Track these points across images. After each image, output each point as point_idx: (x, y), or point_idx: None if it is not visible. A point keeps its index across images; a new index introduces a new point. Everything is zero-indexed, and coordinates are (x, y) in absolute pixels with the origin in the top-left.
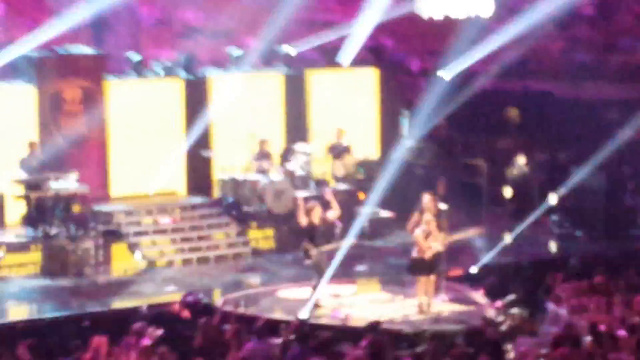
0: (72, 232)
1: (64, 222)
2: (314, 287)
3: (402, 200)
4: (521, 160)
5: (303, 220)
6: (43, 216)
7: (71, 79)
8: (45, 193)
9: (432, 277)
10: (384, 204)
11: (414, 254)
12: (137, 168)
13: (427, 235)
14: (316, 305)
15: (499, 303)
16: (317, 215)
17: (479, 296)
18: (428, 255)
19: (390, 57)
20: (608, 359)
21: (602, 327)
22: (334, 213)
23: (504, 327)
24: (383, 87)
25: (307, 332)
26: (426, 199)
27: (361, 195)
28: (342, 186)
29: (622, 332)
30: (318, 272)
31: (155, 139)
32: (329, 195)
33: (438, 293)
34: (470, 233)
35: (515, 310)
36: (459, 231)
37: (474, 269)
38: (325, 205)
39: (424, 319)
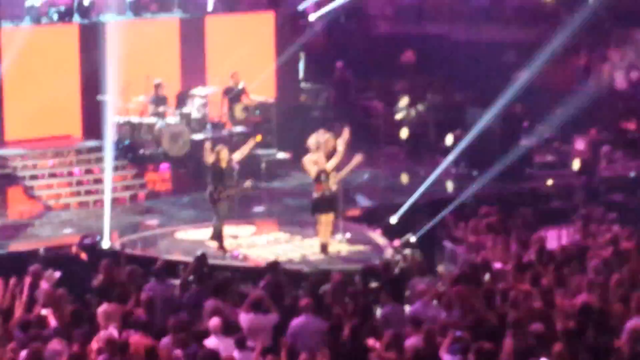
0: None
1: None
2: (215, 228)
3: (299, 142)
4: (403, 101)
5: (210, 159)
6: None
7: None
8: None
9: (331, 216)
10: (281, 145)
11: (314, 194)
12: (32, 112)
13: (320, 174)
14: (218, 246)
15: (396, 242)
16: (224, 158)
17: (376, 236)
18: (327, 193)
19: (286, 1)
20: (505, 296)
21: (498, 265)
22: (238, 155)
23: (400, 267)
24: (279, 30)
25: (205, 272)
26: (321, 135)
27: (257, 138)
28: (239, 128)
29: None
30: (222, 214)
31: (51, 83)
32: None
33: (336, 232)
34: (354, 164)
35: (408, 251)
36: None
37: (393, 219)
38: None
39: (322, 259)
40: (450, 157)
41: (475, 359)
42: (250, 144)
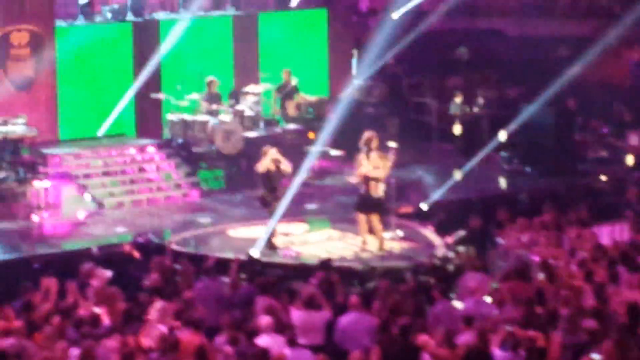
0: (21, 175)
1: (12, 165)
2: (268, 227)
3: (352, 140)
4: (458, 99)
5: (260, 167)
6: None
7: (18, 23)
8: None
9: (374, 216)
10: (334, 143)
11: (361, 191)
12: (86, 111)
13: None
14: (270, 245)
15: (448, 239)
16: (274, 159)
17: (429, 233)
18: (374, 192)
19: None
20: (558, 293)
21: (552, 262)
22: (287, 166)
23: (453, 264)
24: (332, 27)
25: (257, 270)
26: (366, 135)
27: (311, 135)
28: (292, 126)
29: (572, 267)
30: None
31: (104, 82)
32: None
33: (388, 230)
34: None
35: (462, 248)
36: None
37: (424, 206)
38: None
39: (374, 256)
40: (504, 153)
41: (527, 355)
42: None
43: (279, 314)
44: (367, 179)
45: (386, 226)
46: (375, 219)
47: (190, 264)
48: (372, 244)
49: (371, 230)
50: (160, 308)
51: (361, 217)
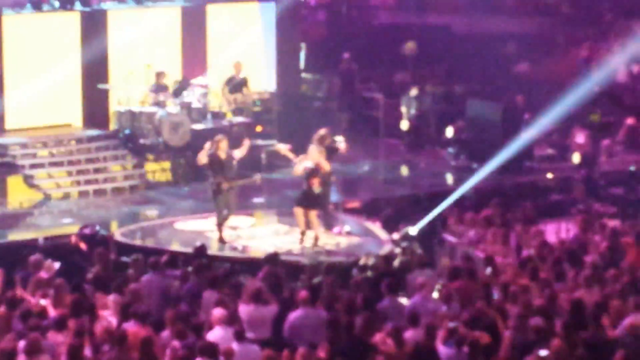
0: None
1: None
2: (218, 221)
3: (300, 133)
4: (413, 92)
5: (203, 159)
6: None
7: None
8: None
9: (312, 211)
10: (282, 136)
11: (303, 186)
12: (33, 100)
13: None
14: (221, 239)
15: (395, 235)
16: (223, 148)
17: (376, 228)
18: (316, 188)
19: None
20: (504, 289)
21: (498, 258)
22: (240, 152)
23: (399, 260)
24: (280, 20)
25: (205, 264)
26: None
27: (258, 128)
28: (239, 119)
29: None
30: (226, 206)
31: (52, 71)
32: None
33: (335, 225)
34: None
35: (407, 244)
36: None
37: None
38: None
39: (321, 251)
40: (451, 149)
41: (470, 352)
42: (247, 144)
43: (227, 307)
44: (310, 175)
45: (334, 221)
46: (313, 214)
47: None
48: (309, 239)
49: (308, 226)
50: (106, 301)
51: (299, 212)
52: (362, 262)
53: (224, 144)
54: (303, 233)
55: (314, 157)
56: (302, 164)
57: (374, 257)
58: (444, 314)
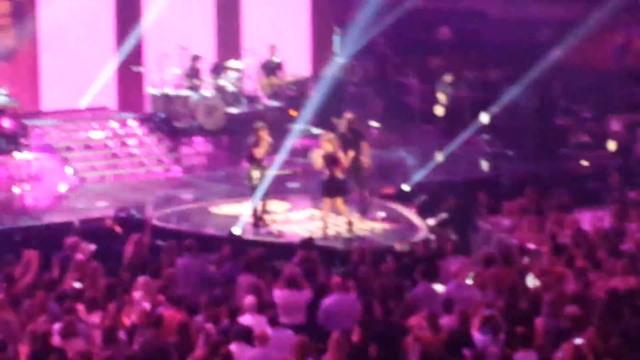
0: (2, 146)
1: None
2: (253, 206)
3: (334, 118)
4: (447, 78)
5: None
6: None
7: None
8: None
9: (338, 199)
10: (316, 121)
11: (323, 176)
12: (68, 83)
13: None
14: (256, 222)
15: (430, 221)
16: (264, 138)
17: (411, 214)
18: (339, 175)
19: None
20: (539, 277)
21: (532, 246)
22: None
23: (434, 245)
24: (314, 4)
25: (240, 248)
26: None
27: (293, 113)
28: (274, 103)
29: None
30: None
31: (87, 53)
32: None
33: (370, 211)
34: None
35: (442, 231)
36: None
37: (405, 187)
38: None
39: (356, 237)
40: (486, 136)
41: (507, 340)
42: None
43: (262, 292)
44: (329, 163)
45: (368, 207)
46: (339, 201)
47: (173, 241)
48: (341, 225)
49: (338, 214)
50: (143, 284)
51: (326, 201)
52: (396, 248)
53: (264, 134)
54: (326, 221)
55: (326, 148)
56: (317, 156)
57: (408, 244)
58: (479, 301)
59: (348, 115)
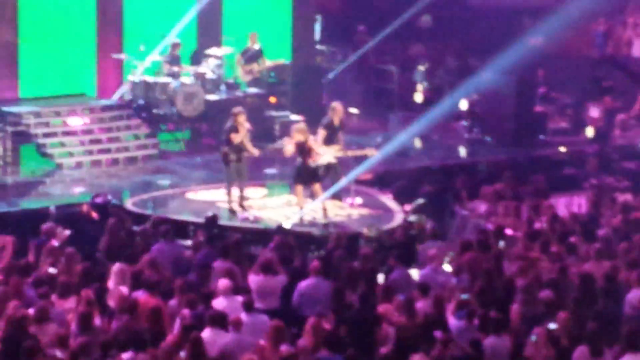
0: None
1: None
2: (228, 192)
3: (313, 105)
4: (422, 67)
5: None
6: None
7: None
8: None
9: (314, 185)
10: (295, 108)
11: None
12: (47, 69)
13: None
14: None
15: (407, 207)
16: (242, 123)
17: (387, 200)
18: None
19: None
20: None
21: (509, 231)
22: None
23: (411, 231)
24: None
25: (216, 234)
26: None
27: (272, 99)
28: (254, 90)
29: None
30: (238, 177)
31: (66, 40)
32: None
33: (346, 196)
34: (365, 153)
35: (420, 216)
36: (356, 149)
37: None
38: None
39: (332, 222)
40: (464, 122)
41: (481, 325)
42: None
43: (236, 277)
44: (302, 151)
45: (346, 193)
46: (316, 187)
47: (148, 226)
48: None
49: (313, 199)
50: (118, 270)
51: (299, 189)
52: (365, 233)
53: (242, 118)
54: (302, 208)
55: (297, 137)
56: (288, 144)
57: (375, 229)
58: (454, 286)
59: (335, 104)
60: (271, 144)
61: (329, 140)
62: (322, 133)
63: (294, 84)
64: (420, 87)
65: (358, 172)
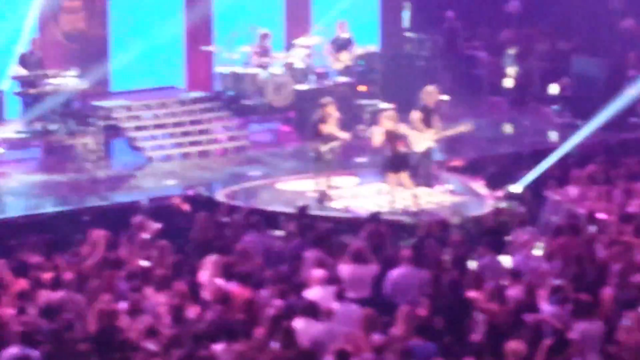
0: (71, 127)
1: (63, 117)
2: (319, 181)
3: (403, 92)
4: (512, 50)
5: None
6: (43, 112)
7: None
8: (45, 89)
9: (402, 173)
10: (385, 96)
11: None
12: (137, 63)
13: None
14: (322, 198)
15: (499, 193)
16: (331, 113)
17: (479, 186)
18: (401, 151)
19: None
20: (607, 247)
21: (602, 216)
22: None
23: (502, 217)
24: None
25: (307, 224)
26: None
27: (362, 88)
28: (343, 79)
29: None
30: (325, 167)
31: (156, 33)
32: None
33: (438, 184)
34: (461, 129)
35: (510, 202)
36: (449, 128)
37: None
38: None
39: (423, 210)
40: (555, 107)
41: (575, 310)
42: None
43: (328, 267)
44: (392, 138)
45: (436, 180)
46: (404, 176)
47: (240, 218)
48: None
49: (405, 187)
50: (211, 261)
51: (390, 177)
52: (450, 220)
53: (331, 109)
54: (393, 195)
55: (386, 125)
56: (377, 133)
57: (460, 216)
58: (546, 272)
59: (429, 87)
60: (362, 126)
61: (425, 124)
62: (417, 116)
63: (383, 72)
64: (510, 72)
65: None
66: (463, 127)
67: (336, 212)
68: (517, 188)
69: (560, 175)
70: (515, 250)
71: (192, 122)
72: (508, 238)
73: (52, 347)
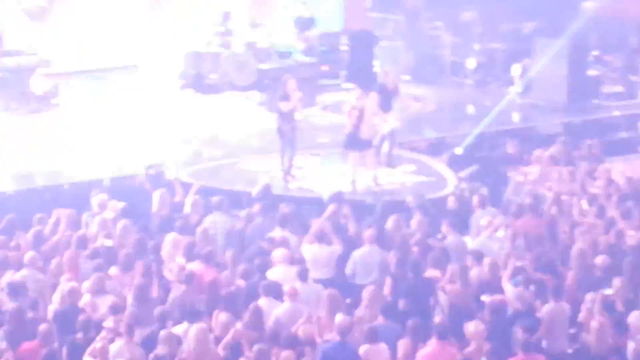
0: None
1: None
2: (284, 160)
3: (366, 72)
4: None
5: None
6: None
7: None
8: None
9: (367, 152)
10: (348, 76)
11: (346, 129)
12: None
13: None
14: (285, 177)
15: (460, 174)
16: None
17: (441, 167)
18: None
19: None
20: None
21: (564, 197)
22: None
23: (463, 198)
24: None
25: (270, 203)
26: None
27: (324, 67)
28: (305, 58)
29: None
30: (289, 146)
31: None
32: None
33: (400, 164)
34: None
35: (472, 183)
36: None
37: (458, 150)
38: None
39: (386, 190)
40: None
41: (537, 290)
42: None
43: (291, 247)
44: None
45: (398, 160)
46: (368, 154)
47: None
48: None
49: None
50: (172, 240)
51: (352, 155)
52: (409, 201)
53: (292, 83)
54: (356, 176)
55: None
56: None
57: (419, 197)
58: (509, 253)
59: (387, 68)
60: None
61: (384, 106)
62: (374, 97)
63: (346, 52)
64: (472, 52)
65: None
66: (423, 107)
67: (299, 192)
68: (458, 150)
69: (522, 155)
70: (477, 231)
71: None
72: (470, 219)
73: (12, 327)
